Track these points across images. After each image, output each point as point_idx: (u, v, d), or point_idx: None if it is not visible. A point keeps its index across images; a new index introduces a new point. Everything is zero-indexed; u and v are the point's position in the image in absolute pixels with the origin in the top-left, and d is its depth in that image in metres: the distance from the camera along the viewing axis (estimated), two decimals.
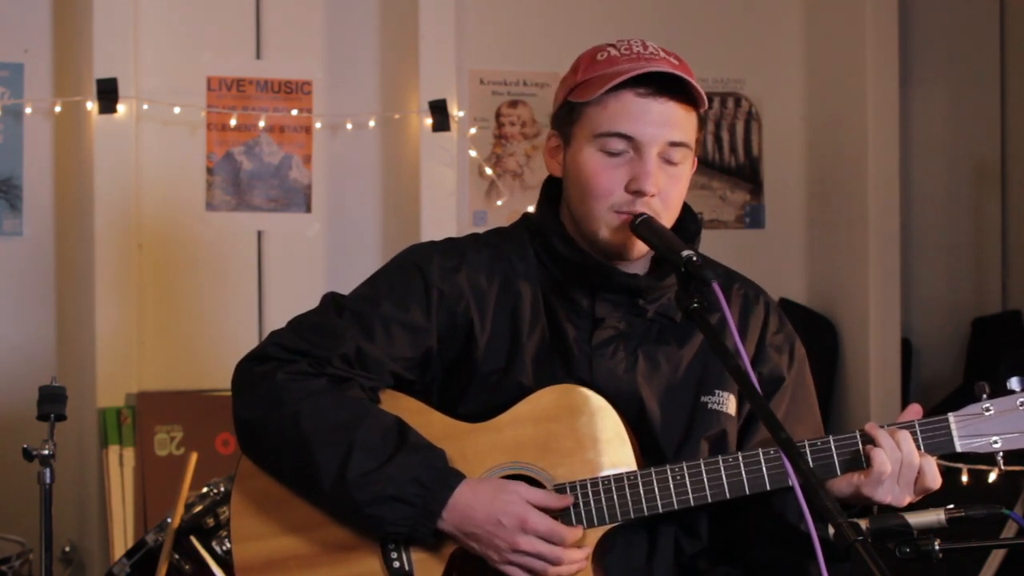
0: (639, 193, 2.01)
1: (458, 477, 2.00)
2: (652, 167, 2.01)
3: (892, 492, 1.93)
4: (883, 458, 1.91)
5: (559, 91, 2.15)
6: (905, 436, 1.94)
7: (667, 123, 2.02)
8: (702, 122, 2.10)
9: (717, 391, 2.11)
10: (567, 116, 2.09)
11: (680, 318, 2.11)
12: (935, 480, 1.94)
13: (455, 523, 1.99)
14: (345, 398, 2.06)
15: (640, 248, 2.06)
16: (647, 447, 2.08)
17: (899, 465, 1.92)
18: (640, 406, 2.09)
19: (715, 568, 2.15)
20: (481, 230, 2.30)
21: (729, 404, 2.12)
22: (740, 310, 2.17)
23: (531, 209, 2.26)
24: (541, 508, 2.00)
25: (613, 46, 2.08)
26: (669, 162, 2.03)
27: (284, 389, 2.06)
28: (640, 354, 2.11)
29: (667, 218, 2.06)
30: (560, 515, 2.03)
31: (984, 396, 1.97)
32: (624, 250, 2.06)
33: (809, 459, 1.97)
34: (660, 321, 2.13)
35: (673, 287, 2.06)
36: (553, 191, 2.18)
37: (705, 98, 2.06)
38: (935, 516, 1.90)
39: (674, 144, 2.03)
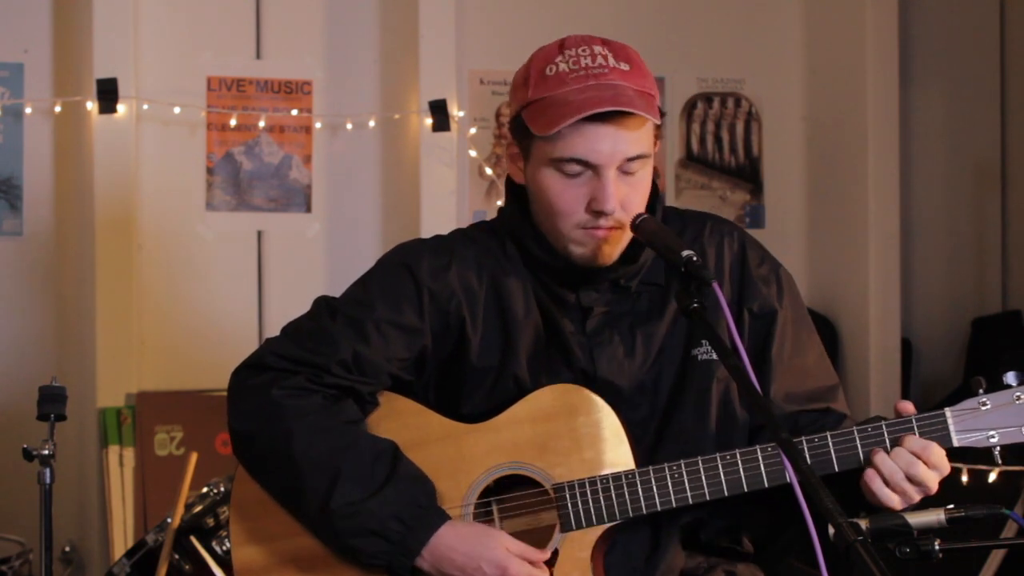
0: (600, 213, 2.00)
1: (441, 518, 2.01)
2: (611, 188, 1.99)
3: (914, 493, 1.95)
4: (889, 496, 1.93)
5: (512, 98, 2.10)
6: (908, 466, 1.94)
7: (622, 141, 1.99)
8: (659, 112, 2.06)
9: (704, 341, 2.10)
10: (523, 131, 2.06)
11: (664, 280, 2.11)
12: (942, 465, 1.95)
13: (434, 563, 2.00)
14: (337, 422, 2.06)
15: (609, 255, 2.05)
16: (651, 418, 2.08)
17: (904, 486, 1.94)
18: (642, 385, 2.09)
19: (715, 567, 2.15)
20: (463, 227, 2.28)
21: None
22: (714, 248, 2.15)
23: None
24: (521, 556, 2.00)
25: (561, 55, 2.03)
26: (627, 173, 2.01)
27: (278, 406, 2.06)
28: (636, 333, 2.11)
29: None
30: (561, 516, 2.03)
31: (981, 391, 1.97)
32: (595, 261, 2.05)
33: (807, 457, 1.97)
34: (645, 290, 2.12)
35: (650, 260, 2.08)
36: (520, 190, 2.17)
37: (660, 113, 2.02)
38: (935, 516, 1.90)
39: (631, 159, 2.00)
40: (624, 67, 2.01)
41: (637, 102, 1.97)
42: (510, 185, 2.18)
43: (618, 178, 2.00)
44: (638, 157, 2.00)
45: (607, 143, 1.98)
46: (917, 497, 1.95)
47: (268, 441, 2.06)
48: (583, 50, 2.03)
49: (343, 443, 2.03)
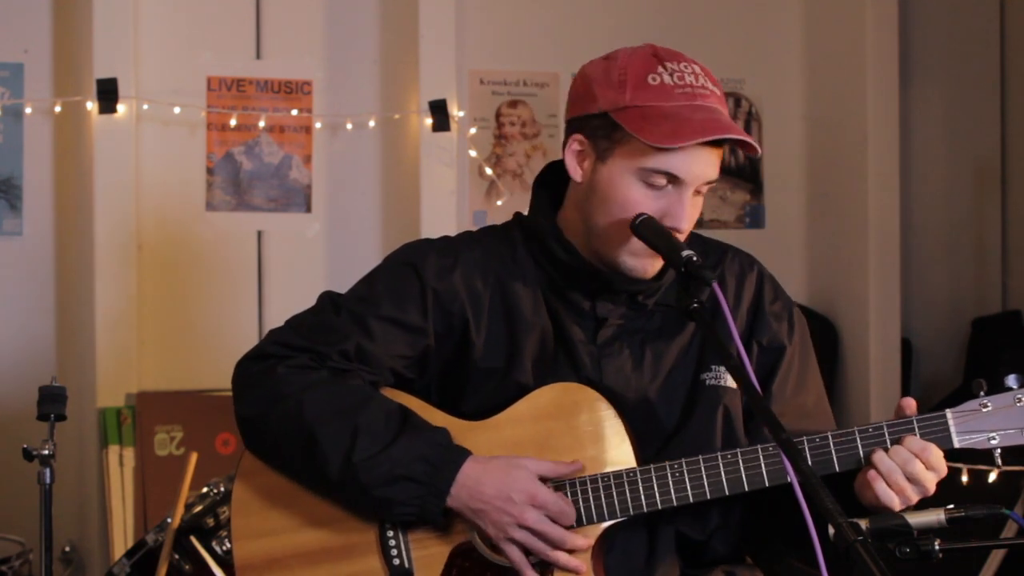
0: (673, 229, 2.00)
1: (463, 454, 2.01)
2: (688, 207, 2.01)
3: (913, 493, 1.96)
4: (888, 493, 1.93)
5: (591, 95, 2.05)
6: (905, 463, 1.94)
7: (711, 165, 2.02)
8: None
9: (714, 367, 2.11)
10: (607, 131, 2.03)
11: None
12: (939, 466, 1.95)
13: (463, 499, 1.99)
14: (346, 386, 2.07)
15: (655, 269, 2.06)
16: (653, 434, 2.08)
17: (907, 480, 1.94)
18: (647, 401, 2.10)
19: (714, 568, 2.15)
20: (471, 229, 2.29)
21: (728, 377, 2.12)
22: (735, 279, 2.17)
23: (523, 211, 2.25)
24: (551, 476, 2.01)
25: (662, 65, 2.02)
26: (698, 193, 2.04)
27: (285, 382, 2.07)
28: (645, 349, 2.12)
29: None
30: None
31: (982, 393, 1.98)
32: (644, 273, 2.06)
33: (808, 457, 1.98)
34: (660, 310, 2.13)
35: (671, 282, 2.08)
36: (550, 189, 2.17)
37: (759, 147, 2.05)
38: (935, 516, 1.90)
39: (710, 182, 2.04)
40: (717, 91, 2.04)
41: (741, 131, 2.01)
42: (539, 185, 2.18)
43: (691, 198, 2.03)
44: (714, 180, 2.05)
45: (701, 165, 2.00)
46: (915, 497, 1.95)
47: (280, 417, 2.06)
48: (684, 66, 2.03)
49: (355, 402, 2.04)
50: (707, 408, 2.10)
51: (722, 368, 2.12)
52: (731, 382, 2.12)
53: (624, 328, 2.12)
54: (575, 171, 2.09)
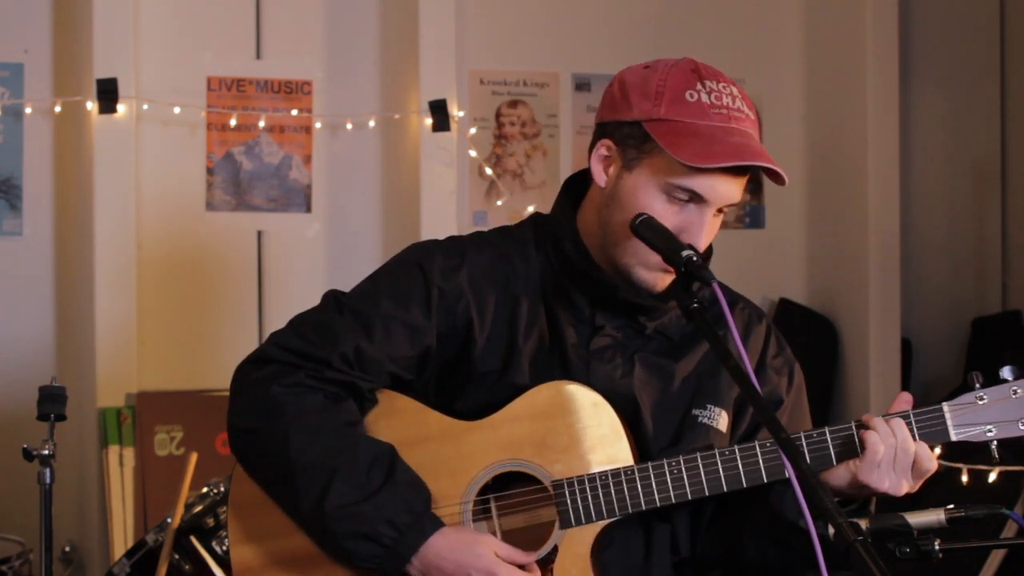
0: (689, 246, 1.98)
1: (434, 525, 2.01)
2: (707, 226, 2.00)
3: (888, 477, 1.94)
4: (876, 439, 1.92)
5: (630, 100, 2.01)
6: (899, 423, 1.95)
7: (736, 188, 2.00)
8: None
9: (709, 406, 2.11)
10: (638, 140, 2.01)
11: (678, 338, 2.13)
12: (930, 461, 1.95)
13: (423, 570, 2.00)
14: (336, 423, 2.05)
15: (663, 285, 2.05)
16: (637, 451, 2.08)
17: (893, 449, 1.93)
18: (635, 409, 2.09)
19: (711, 567, 2.15)
20: (483, 230, 2.29)
21: (720, 420, 2.12)
22: (743, 330, 2.16)
23: (532, 209, 2.25)
24: (509, 561, 2.01)
25: (701, 84, 1.99)
26: (718, 212, 2.03)
27: (278, 404, 2.05)
28: (636, 361, 2.11)
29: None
30: (560, 512, 2.03)
31: (977, 385, 1.98)
32: (653, 287, 2.06)
33: (806, 452, 1.98)
34: (657, 338, 2.13)
35: (674, 308, 2.08)
36: (575, 192, 2.16)
37: (787, 177, 2.01)
38: (935, 516, 1.90)
39: (732, 204, 2.03)
40: (752, 115, 2.02)
41: (772, 159, 1.99)
42: (568, 185, 2.18)
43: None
44: (735, 203, 2.04)
45: (726, 187, 1.98)
46: (902, 476, 1.94)
47: (265, 440, 2.06)
48: (723, 86, 2.01)
49: (340, 445, 2.03)
50: (692, 442, 2.09)
51: (717, 409, 2.12)
52: (722, 425, 2.13)
53: (618, 341, 2.11)
54: (600, 176, 2.08)
